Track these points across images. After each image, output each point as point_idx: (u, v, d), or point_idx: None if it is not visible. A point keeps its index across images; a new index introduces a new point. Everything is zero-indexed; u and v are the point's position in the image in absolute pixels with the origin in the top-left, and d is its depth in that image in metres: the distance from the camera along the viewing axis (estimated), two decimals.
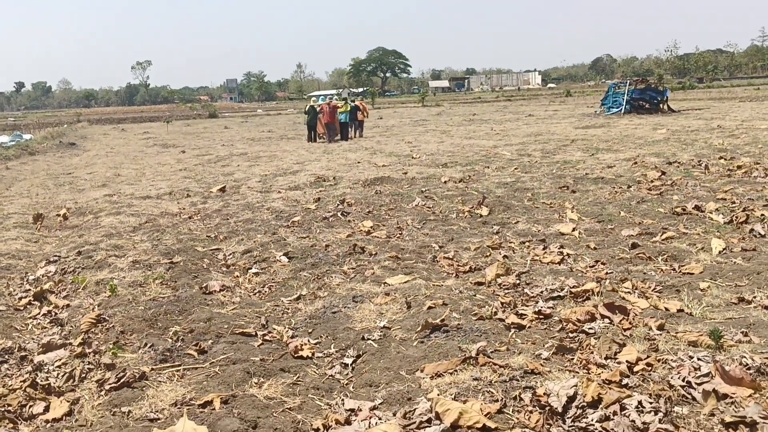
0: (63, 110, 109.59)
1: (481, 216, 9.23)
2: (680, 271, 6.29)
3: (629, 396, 3.79)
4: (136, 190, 13.39)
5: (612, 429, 3.49)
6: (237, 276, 6.96)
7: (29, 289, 6.86)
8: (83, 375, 4.61)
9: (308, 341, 5.11)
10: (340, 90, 32.55)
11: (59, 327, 5.74)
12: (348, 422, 3.83)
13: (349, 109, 25.41)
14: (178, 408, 4.03)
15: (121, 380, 4.38)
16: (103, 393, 4.31)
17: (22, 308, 6.42)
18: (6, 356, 5.19)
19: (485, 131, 24.71)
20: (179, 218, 10.18)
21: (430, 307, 5.56)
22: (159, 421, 3.87)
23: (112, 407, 4.10)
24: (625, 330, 4.89)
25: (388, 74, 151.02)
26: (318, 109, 25.40)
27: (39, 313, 6.19)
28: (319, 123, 25.18)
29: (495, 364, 4.37)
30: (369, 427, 3.72)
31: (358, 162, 16.33)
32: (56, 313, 6.14)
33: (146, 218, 10.23)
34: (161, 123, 48.23)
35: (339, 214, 9.78)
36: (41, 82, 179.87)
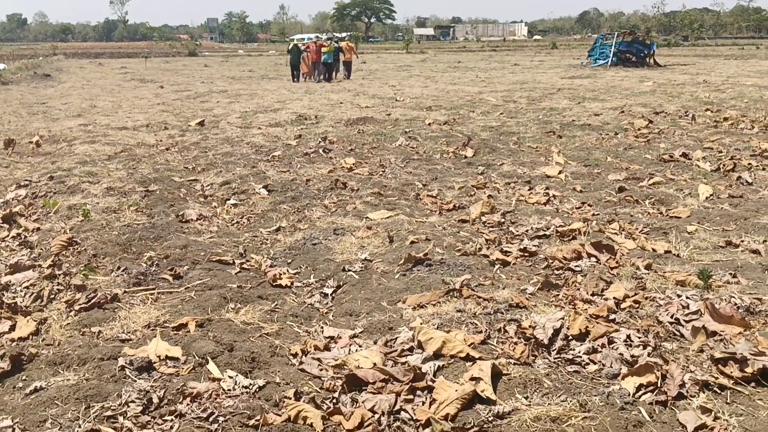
0: (39, 44, 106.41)
1: (465, 157, 9.05)
2: (667, 215, 6.19)
3: (617, 330, 3.70)
4: (112, 121, 12.99)
5: (599, 361, 3.40)
6: (215, 207, 6.75)
7: None
8: (52, 296, 4.41)
9: (287, 271, 4.96)
10: (328, 33, 31.53)
11: (28, 249, 5.51)
12: (327, 348, 3.70)
13: (333, 49, 24.87)
14: (152, 330, 3.87)
15: (92, 301, 4.20)
16: (72, 313, 4.13)
17: None
18: None
19: (470, 78, 24.34)
20: (156, 149, 9.88)
21: (412, 242, 5.42)
22: (131, 342, 3.71)
23: (81, 327, 3.93)
24: (611, 269, 4.79)
25: (372, 20, 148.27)
26: (303, 47, 24.94)
27: (8, 236, 5.95)
28: (303, 62, 24.73)
29: (479, 297, 4.26)
30: (349, 353, 3.59)
31: (341, 103, 15.99)
32: (26, 237, 5.90)
33: (122, 148, 9.91)
34: (139, 59, 47.05)
35: (320, 150, 9.54)
36: (16, 14, 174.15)
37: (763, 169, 7.90)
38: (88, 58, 52.85)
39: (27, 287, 4.63)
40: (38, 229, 6.08)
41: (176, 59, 50.57)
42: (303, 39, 27.31)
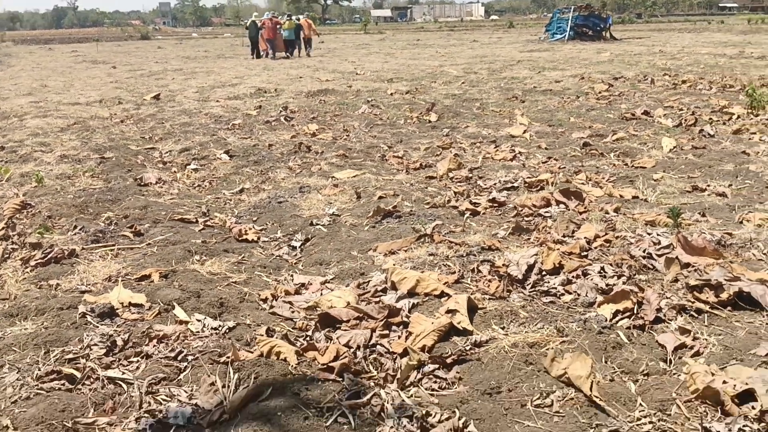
0: None
1: (429, 122, 8.98)
2: (632, 166, 6.22)
3: (590, 264, 3.68)
4: (64, 98, 12.58)
5: (575, 291, 3.37)
6: (174, 172, 6.57)
7: None
8: (6, 255, 4.22)
9: (253, 227, 4.83)
10: (288, 14, 31.07)
11: None
12: (298, 293, 3.60)
13: (293, 26, 24.72)
14: (113, 282, 3.72)
15: (48, 256, 4.03)
16: (28, 270, 3.95)
17: None
18: None
19: (430, 54, 24.24)
20: (110, 121, 9.59)
21: (380, 197, 5.34)
22: (91, 294, 3.56)
23: (38, 281, 3.76)
24: (581, 213, 4.77)
25: (329, 2, 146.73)
26: (259, 24, 24.63)
27: None
28: (261, 39, 24.50)
29: (451, 242, 4.20)
30: (321, 296, 3.50)
31: (300, 77, 15.75)
32: None
33: (74, 120, 9.60)
34: (91, 44, 45.82)
35: (282, 119, 9.38)
36: None
37: (724, 123, 8.00)
38: (37, 44, 51.24)
39: None
40: None
41: (128, 43, 49.34)
42: (266, 13, 26.96)
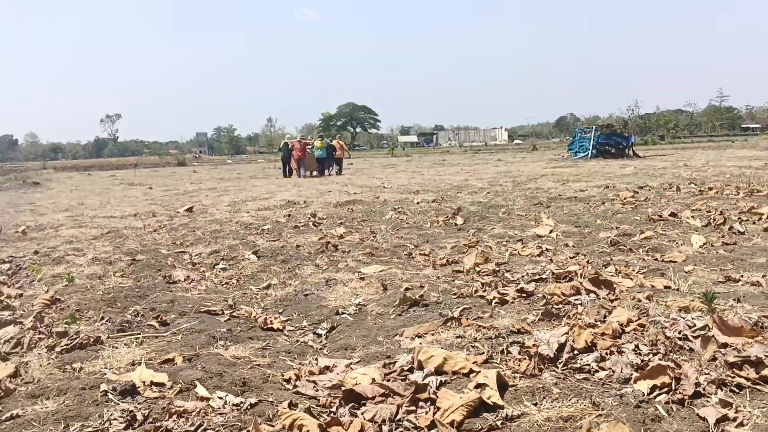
0: (29, 162, 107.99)
1: (456, 225, 9.04)
2: (662, 260, 6.12)
3: (624, 344, 3.56)
4: (100, 213, 12.96)
5: (609, 368, 3.24)
6: (203, 271, 6.62)
7: None
8: (33, 344, 4.21)
9: (278, 317, 4.80)
10: (320, 135, 32.71)
11: (10, 312, 5.31)
12: (323, 373, 3.51)
13: (324, 146, 26.03)
14: (136, 366, 3.67)
15: (74, 343, 4.01)
16: (53, 356, 3.93)
17: None
18: None
19: (455, 171, 24.78)
20: (143, 231, 9.80)
21: (407, 289, 5.30)
22: (114, 373, 3.51)
23: (63, 365, 3.72)
24: (612, 301, 4.67)
25: (358, 129, 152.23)
26: (290, 145, 25.97)
27: None
28: (293, 159, 25.78)
29: (479, 326, 4.11)
30: (346, 374, 3.40)
31: (329, 191, 16.12)
32: (8, 303, 5.71)
33: (109, 230, 9.83)
34: (129, 169, 47.70)
35: (310, 224, 9.53)
36: (7, 135, 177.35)
37: (753, 222, 7.92)
38: (77, 171, 53.46)
39: (8, 340, 4.43)
40: (20, 295, 5.90)
41: (165, 169, 51.32)
42: (292, 140, 28.37)
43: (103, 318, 4.68)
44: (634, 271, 5.62)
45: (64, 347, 3.98)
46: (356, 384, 3.20)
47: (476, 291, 5.12)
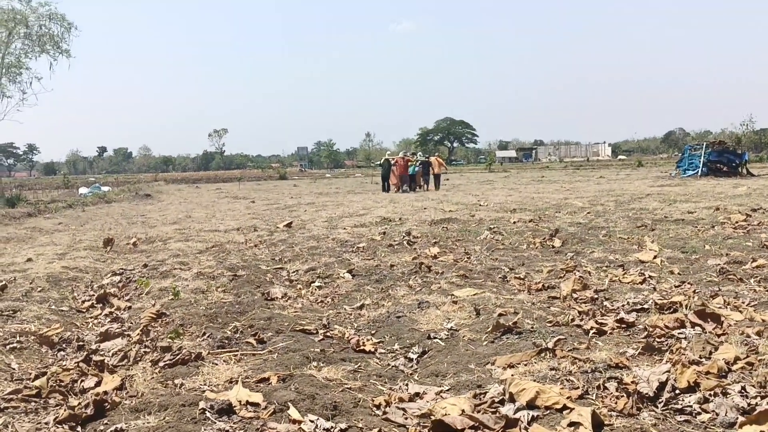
0: (142, 174, 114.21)
1: (553, 247, 8.85)
2: None
3: (730, 385, 3.36)
4: (206, 227, 13.54)
5: (712, 410, 3.07)
6: (300, 288, 6.79)
7: (93, 294, 6.85)
8: (138, 357, 4.44)
9: (371, 338, 4.85)
10: (413, 152, 33.20)
11: (119, 324, 5.63)
12: (412, 400, 3.52)
13: (417, 162, 26.76)
14: (234, 383, 3.80)
15: (176, 358, 4.20)
16: (156, 370, 4.12)
17: (84, 310, 6.39)
18: (64, 345, 5.11)
19: (554, 188, 24.29)
20: (245, 245, 10.16)
21: (500, 314, 5.22)
22: (212, 392, 3.65)
23: (165, 380, 3.90)
24: (718, 336, 4.42)
25: (455, 144, 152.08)
26: (392, 161, 26.82)
27: (100, 314, 6.13)
28: (393, 174, 26.63)
29: (574, 358, 4.00)
30: (435, 403, 3.39)
31: (425, 209, 16.18)
32: (117, 315, 6.06)
33: (213, 244, 10.26)
34: (234, 183, 49.62)
35: (405, 243, 9.59)
36: (122, 148, 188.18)
37: None
38: (186, 184, 56.09)
39: (115, 352, 4.69)
40: (129, 307, 6.25)
41: (267, 182, 53.08)
42: (394, 155, 29.12)
43: (204, 334, 4.88)
44: (744, 303, 5.31)
45: (167, 362, 4.18)
46: (446, 414, 3.18)
47: (572, 320, 4.99)
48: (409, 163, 26.41)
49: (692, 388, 3.32)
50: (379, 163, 28.67)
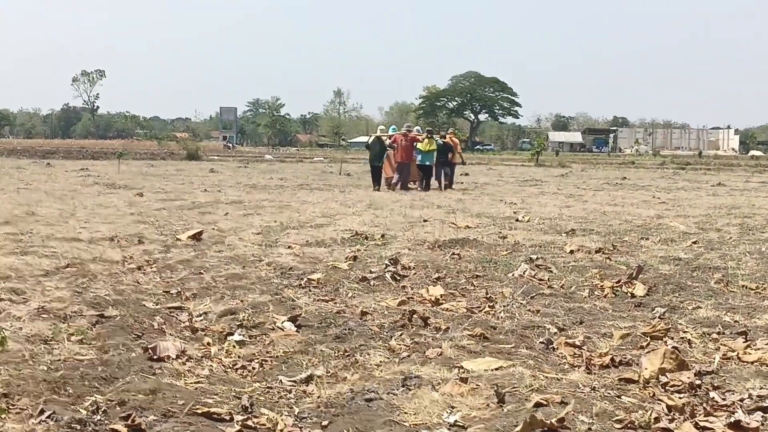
0: None
1: (632, 296, 8.95)
2: None
3: None
4: (58, 232, 13.48)
5: None
6: (208, 344, 6.78)
7: None
8: None
9: None
10: (431, 130, 32.46)
11: None
12: None
13: (434, 147, 27.08)
14: None
15: None
16: None
17: None
18: None
19: (642, 199, 24.55)
20: (122, 267, 10.13)
21: (538, 404, 5.25)
22: None
23: None
24: None
25: (482, 116, 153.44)
26: (388, 141, 27.12)
27: None
28: (387, 163, 27.14)
29: None
30: None
31: (425, 220, 16.31)
32: None
33: (68, 262, 10.21)
34: (111, 161, 49.52)
35: (388, 276, 9.64)
36: None
37: None
38: (31, 158, 55.92)
39: None
40: None
41: (168, 163, 53.13)
42: (389, 129, 29.16)
43: (43, 412, 4.84)
44: None
45: None
46: None
47: (657, 420, 5.03)
48: (419, 146, 26.67)
49: None
50: (366, 144, 28.87)
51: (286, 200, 21.83)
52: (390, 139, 27.22)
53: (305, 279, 9.39)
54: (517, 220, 16.82)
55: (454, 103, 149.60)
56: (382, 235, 13.59)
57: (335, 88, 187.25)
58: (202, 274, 9.79)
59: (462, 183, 31.15)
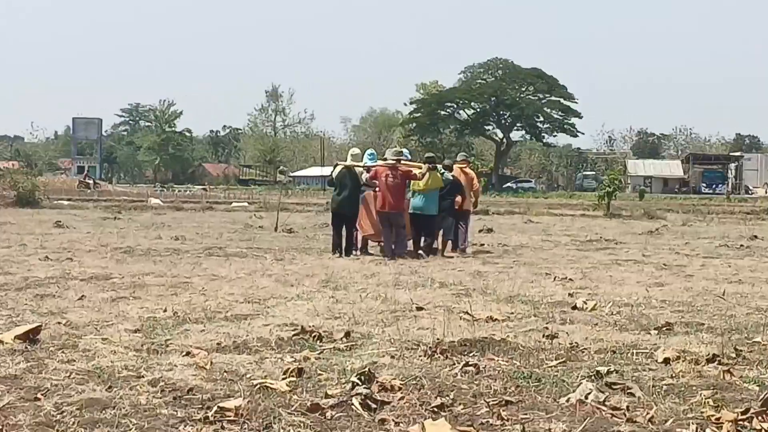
0: None
1: None
2: None
3: None
4: None
5: None
6: None
7: None
8: None
9: None
10: (432, 157, 31.47)
11: None
12: None
13: (438, 184, 27.23)
14: None
15: None
16: None
17: None
18: None
19: None
20: None
21: None
22: None
23: None
24: None
25: (515, 133, 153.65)
26: (366, 176, 27.35)
27: None
28: (365, 212, 27.29)
29: None
30: None
31: (419, 308, 16.25)
32: None
33: None
34: None
35: (356, 402, 9.59)
36: None
37: None
38: None
39: None
40: None
41: None
42: (369, 154, 28.70)
43: None
44: None
45: None
46: None
47: None
48: (416, 184, 26.69)
49: None
50: (329, 179, 29.14)
51: (185, 275, 21.76)
52: (369, 172, 27.18)
53: (215, 409, 9.34)
54: (574, 307, 16.76)
55: (470, 112, 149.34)
56: (347, 334, 13.54)
57: (268, 87, 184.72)
58: (38, 401, 9.73)
59: (482, 244, 31.13)
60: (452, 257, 26.77)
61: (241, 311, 15.74)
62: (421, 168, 27.04)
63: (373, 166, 27.29)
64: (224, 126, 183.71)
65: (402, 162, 27.21)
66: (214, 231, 38.70)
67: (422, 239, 27.11)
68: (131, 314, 15.34)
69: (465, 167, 29.31)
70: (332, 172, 28.50)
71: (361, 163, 27.28)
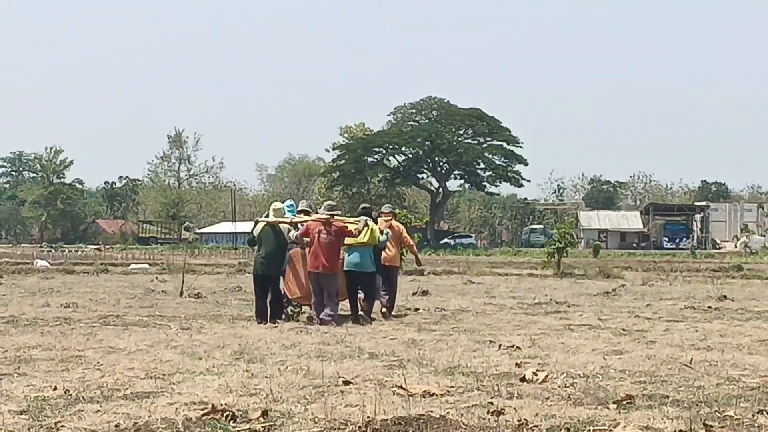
0: None
1: None
2: None
3: None
4: None
5: None
6: None
7: None
8: None
9: None
10: (368, 207, 31.74)
11: None
12: None
13: (375, 239, 27.58)
14: None
15: None
16: None
17: None
18: None
19: (758, 337, 24.73)
20: None
21: None
22: None
23: None
24: None
25: (453, 182, 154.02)
26: (294, 233, 27.59)
27: None
28: (291, 273, 27.48)
29: None
30: None
31: (346, 382, 16.24)
32: None
33: None
34: None
35: None
36: None
37: None
38: None
39: None
40: None
41: None
42: (288, 206, 28.64)
43: None
44: None
45: None
46: None
47: None
48: (348, 235, 26.91)
49: None
50: (248, 237, 29.69)
51: (77, 347, 21.67)
52: (297, 229, 27.40)
53: None
54: (523, 379, 16.77)
55: (401, 158, 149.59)
56: (265, 413, 13.52)
57: (171, 131, 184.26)
58: None
59: (417, 309, 31.21)
60: (381, 320, 26.79)
61: (143, 388, 15.68)
62: (357, 224, 27.10)
63: (303, 221, 27.36)
64: (120, 177, 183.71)
65: (335, 215, 27.31)
66: (111, 297, 38.59)
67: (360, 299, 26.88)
68: (16, 393, 15.25)
69: (391, 220, 29.31)
70: (253, 229, 28.80)
71: (286, 219, 27.26)
